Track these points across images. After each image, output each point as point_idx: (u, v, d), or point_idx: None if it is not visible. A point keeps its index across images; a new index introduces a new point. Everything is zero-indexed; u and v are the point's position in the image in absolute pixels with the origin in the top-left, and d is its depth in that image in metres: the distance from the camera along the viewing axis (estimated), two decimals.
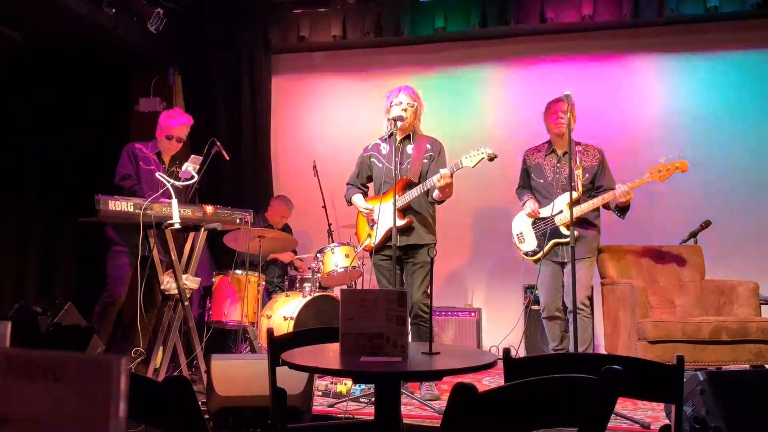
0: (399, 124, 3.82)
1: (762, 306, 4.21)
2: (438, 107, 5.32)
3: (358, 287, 4.75)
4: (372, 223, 3.90)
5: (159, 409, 1.39)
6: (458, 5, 5.46)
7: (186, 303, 3.79)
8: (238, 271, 4.63)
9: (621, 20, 5.24)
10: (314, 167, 5.62)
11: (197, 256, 3.92)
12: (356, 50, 6.06)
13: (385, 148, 4.01)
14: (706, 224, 4.81)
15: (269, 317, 4.58)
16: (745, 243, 5.21)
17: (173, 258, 3.75)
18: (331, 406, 3.43)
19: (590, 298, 4.15)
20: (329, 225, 5.54)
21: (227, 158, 4.25)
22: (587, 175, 4.09)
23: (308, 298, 4.55)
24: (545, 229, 4.13)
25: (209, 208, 3.87)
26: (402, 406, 2.39)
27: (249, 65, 5.95)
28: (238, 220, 4.01)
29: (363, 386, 3.59)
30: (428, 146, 3.95)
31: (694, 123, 5.46)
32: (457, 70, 5.95)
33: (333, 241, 5.15)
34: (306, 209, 5.68)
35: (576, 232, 3.59)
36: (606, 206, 4.08)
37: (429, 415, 3.28)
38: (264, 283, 4.86)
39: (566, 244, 3.99)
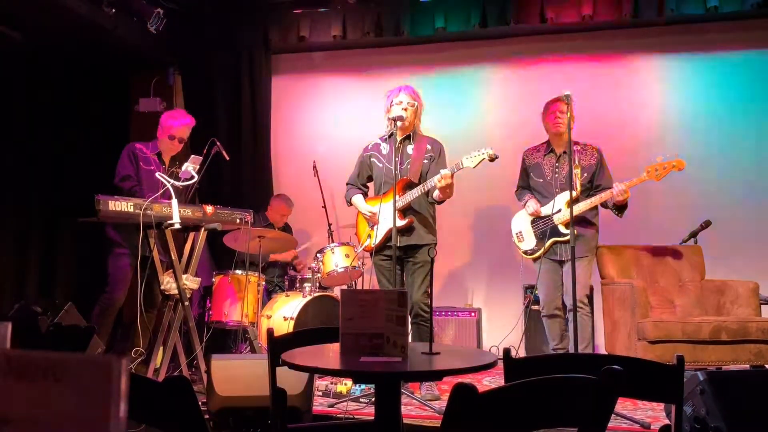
0: (399, 123, 3.82)
1: (762, 306, 4.22)
2: (438, 107, 5.32)
3: (359, 287, 4.75)
4: (374, 224, 3.89)
5: (159, 410, 1.39)
6: (458, 5, 5.46)
7: (186, 303, 3.79)
8: (238, 271, 4.63)
9: (621, 20, 5.24)
10: (314, 167, 5.62)
11: (197, 256, 3.92)
12: (356, 50, 6.06)
13: (385, 148, 4.01)
14: (707, 224, 4.81)
15: (269, 317, 4.58)
16: (745, 243, 5.21)
17: (173, 258, 3.75)
18: (332, 406, 3.43)
19: (589, 297, 4.18)
20: (329, 225, 5.54)
21: (227, 158, 4.25)
22: (586, 175, 4.11)
23: (308, 298, 4.55)
24: (544, 228, 4.15)
25: (209, 208, 3.87)
26: (402, 407, 2.39)
27: (249, 65, 5.95)
28: (238, 220, 4.01)
29: (363, 386, 3.59)
30: (428, 147, 3.95)
31: (694, 123, 5.46)
32: (457, 70, 5.95)
33: (333, 241, 5.15)
34: (306, 209, 5.68)
35: (575, 231, 3.59)
36: (604, 205, 4.10)
37: (429, 415, 3.28)
38: (264, 283, 4.86)
39: (565, 242, 4.02)
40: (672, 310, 4.39)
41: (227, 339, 4.95)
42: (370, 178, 4.12)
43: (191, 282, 3.85)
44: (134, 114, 6.14)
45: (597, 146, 4.24)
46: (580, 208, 3.97)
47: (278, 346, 2.08)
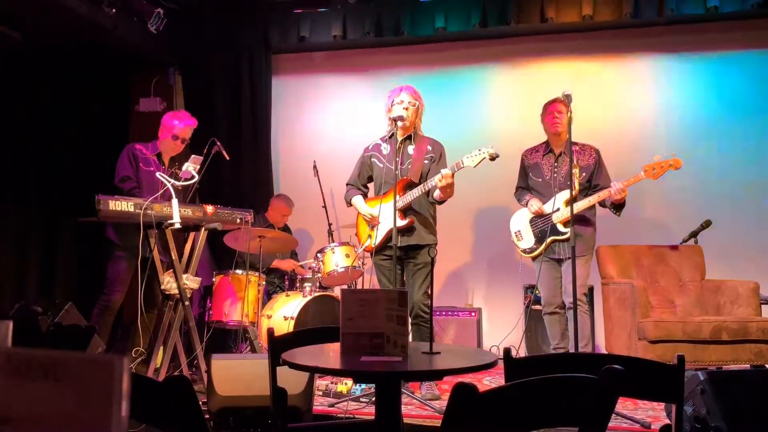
0: (400, 123, 3.82)
1: (762, 306, 4.22)
2: (438, 107, 5.31)
3: (359, 287, 4.75)
4: (375, 225, 3.88)
5: (159, 409, 1.39)
6: (458, 5, 5.46)
7: (186, 303, 3.80)
8: (239, 271, 4.64)
9: (621, 20, 5.24)
10: (314, 167, 5.62)
11: (197, 256, 3.92)
12: (356, 50, 6.06)
13: (385, 148, 4.01)
14: (707, 224, 4.81)
15: (269, 317, 4.58)
16: (745, 243, 5.21)
17: (173, 258, 3.75)
18: (332, 405, 3.43)
19: (587, 295, 4.25)
20: (329, 225, 5.54)
21: (227, 158, 4.25)
22: (584, 174, 4.15)
23: (308, 297, 4.55)
24: (543, 227, 4.17)
25: (209, 208, 3.87)
26: (402, 406, 2.39)
27: (249, 65, 5.95)
28: (238, 220, 4.01)
29: (363, 386, 3.59)
30: (429, 147, 3.95)
31: (694, 123, 5.46)
32: (457, 70, 5.95)
33: (333, 241, 5.15)
34: (306, 209, 5.68)
35: (572, 230, 3.60)
36: (602, 204, 4.13)
37: (429, 415, 3.28)
38: (264, 283, 4.86)
39: (564, 241, 4.06)
40: (672, 309, 4.39)
41: (227, 339, 4.95)
42: (370, 179, 4.12)
43: (191, 282, 3.85)
44: (134, 114, 6.14)
45: (595, 147, 4.27)
46: (578, 207, 3.99)
47: (278, 345, 2.08)
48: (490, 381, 4.26)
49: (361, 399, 3.50)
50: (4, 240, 5.22)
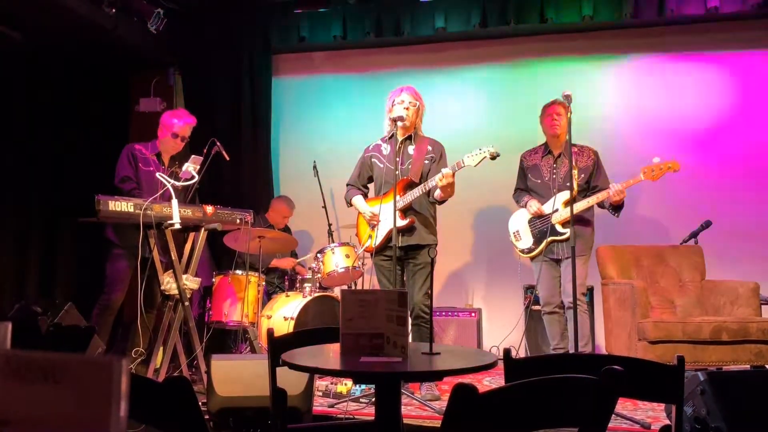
0: (400, 123, 3.83)
1: (762, 306, 4.22)
2: (438, 107, 5.31)
3: (359, 287, 4.75)
4: (376, 223, 3.88)
5: (159, 410, 1.39)
6: (458, 5, 5.46)
7: (186, 303, 3.80)
8: (238, 272, 4.64)
9: (621, 20, 5.24)
10: (314, 167, 5.62)
11: (197, 256, 3.92)
12: (356, 50, 6.06)
13: (386, 148, 4.01)
14: (707, 224, 4.81)
15: (269, 317, 4.58)
16: (745, 243, 5.21)
17: (173, 258, 3.75)
18: (332, 406, 3.43)
19: (586, 294, 4.32)
20: (329, 225, 5.54)
21: (227, 158, 4.25)
22: (583, 176, 4.17)
23: (308, 298, 4.54)
24: (541, 228, 4.19)
25: (209, 209, 3.87)
26: (402, 407, 2.39)
27: (249, 65, 5.95)
28: (238, 221, 4.01)
29: (363, 386, 3.59)
30: (429, 148, 3.96)
31: (694, 123, 5.46)
32: (457, 70, 5.95)
33: (333, 241, 5.14)
34: (306, 209, 5.68)
35: (572, 230, 3.61)
36: (601, 205, 4.14)
37: (429, 416, 3.28)
38: (264, 283, 4.85)
39: (562, 241, 4.09)
40: (672, 310, 4.39)
41: (227, 339, 4.95)
42: (370, 179, 4.12)
43: (191, 282, 3.85)
44: (134, 114, 6.14)
45: (594, 148, 4.29)
46: (577, 207, 4.00)
47: (278, 346, 2.08)
48: (490, 381, 4.25)
49: (360, 399, 3.50)
50: (4, 240, 5.22)
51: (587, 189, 4.19)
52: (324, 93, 6.19)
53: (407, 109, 3.87)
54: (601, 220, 4.35)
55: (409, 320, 3.71)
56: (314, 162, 5.64)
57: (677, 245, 4.78)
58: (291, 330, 4.25)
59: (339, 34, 5.65)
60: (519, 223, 4.36)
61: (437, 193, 3.79)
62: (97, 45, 5.28)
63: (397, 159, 3.82)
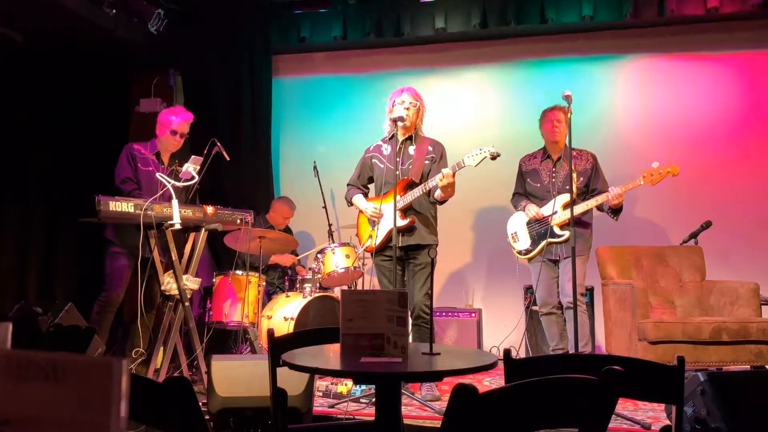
0: (401, 124, 3.83)
1: (762, 306, 4.22)
2: (438, 107, 5.32)
3: (359, 288, 4.75)
4: (380, 217, 3.88)
5: (159, 410, 1.39)
6: (458, 6, 5.46)
7: (186, 303, 3.79)
8: (239, 272, 4.64)
9: (621, 21, 5.24)
10: (314, 167, 5.62)
11: (198, 256, 3.92)
12: (356, 51, 6.06)
13: (386, 149, 4.01)
14: (707, 225, 4.82)
15: (269, 318, 4.58)
16: (745, 244, 5.21)
17: (174, 258, 3.75)
18: (332, 406, 3.43)
19: (585, 295, 4.36)
20: (329, 225, 5.54)
21: (227, 159, 4.25)
22: (582, 179, 4.20)
23: (309, 298, 4.54)
24: (539, 230, 4.20)
25: (210, 209, 3.87)
26: (402, 407, 2.39)
27: (249, 66, 5.95)
28: (238, 221, 4.01)
29: (363, 387, 3.59)
30: (430, 148, 3.96)
31: (694, 123, 5.46)
32: (457, 71, 5.95)
33: (333, 242, 5.14)
34: (306, 210, 5.68)
35: (572, 231, 3.62)
36: (600, 208, 4.15)
37: (429, 416, 3.28)
38: (264, 284, 4.86)
39: (560, 243, 4.13)
40: (672, 310, 4.39)
41: (227, 339, 4.95)
42: (371, 180, 4.12)
43: (191, 282, 3.85)
44: (134, 114, 6.14)
45: (592, 152, 4.32)
46: (577, 210, 4.01)
47: (279, 346, 2.08)
48: (490, 382, 4.25)
49: (361, 400, 3.50)
50: (5, 240, 5.22)
51: (586, 192, 4.21)
52: (324, 93, 6.19)
53: (408, 109, 3.88)
54: (601, 222, 4.35)
55: (410, 320, 3.71)
56: (314, 162, 5.64)
57: (677, 245, 4.78)
58: (291, 330, 4.25)
59: (339, 34, 5.65)
60: (517, 224, 4.37)
61: (438, 194, 3.79)
62: (97, 45, 5.28)
63: (398, 159, 3.82)
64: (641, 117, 5.56)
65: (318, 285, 4.74)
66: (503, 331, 5.19)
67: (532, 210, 4.20)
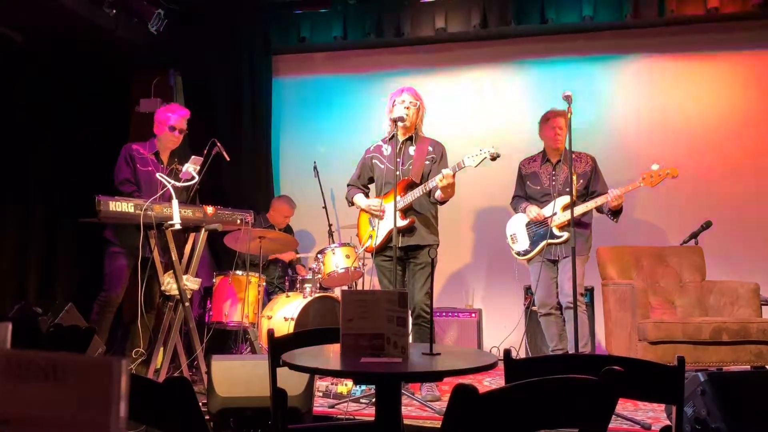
0: (401, 124, 3.83)
1: (763, 307, 4.22)
2: (439, 108, 5.32)
3: (359, 288, 4.75)
4: (382, 212, 3.87)
5: (160, 410, 1.39)
6: (459, 6, 5.46)
7: (186, 304, 3.79)
8: (239, 272, 4.64)
9: (621, 21, 5.24)
10: (315, 168, 5.62)
11: (198, 256, 3.92)
12: (357, 51, 6.06)
13: (387, 149, 4.02)
14: (707, 225, 4.82)
15: (270, 318, 4.58)
16: (745, 244, 5.21)
17: (174, 258, 3.75)
18: (332, 406, 3.43)
19: (584, 295, 4.38)
20: (330, 226, 5.54)
21: (228, 159, 4.24)
22: (581, 181, 4.22)
23: (309, 298, 4.54)
24: (539, 231, 4.20)
25: (210, 209, 3.87)
26: (403, 407, 2.39)
27: (249, 66, 5.95)
28: (238, 221, 4.01)
29: (363, 387, 3.59)
30: (430, 148, 3.96)
31: (694, 124, 5.46)
32: (457, 71, 5.95)
33: (333, 242, 5.14)
34: (306, 210, 5.68)
35: (572, 232, 3.62)
36: (600, 210, 4.15)
37: (430, 416, 3.28)
38: (264, 284, 4.85)
39: (559, 244, 4.14)
40: (672, 310, 4.39)
41: (228, 340, 4.95)
42: (371, 180, 4.12)
43: (191, 282, 3.85)
44: (135, 114, 6.14)
45: (591, 155, 4.33)
46: (576, 211, 4.01)
47: (279, 346, 2.08)
48: (490, 382, 4.25)
49: (361, 400, 3.50)
50: (5, 240, 5.22)
51: (586, 194, 4.22)
52: (324, 93, 6.19)
53: (408, 108, 3.88)
54: (601, 222, 4.35)
55: (410, 321, 3.71)
56: (314, 162, 5.64)
57: (677, 246, 4.78)
58: (291, 330, 4.25)
59: (339, 34, 5.65)
60: (516, 226, 4.38)
61: (438, 194, 3.79)
62: (97, 45, 5.28)
63: (398, 159, 3.83)
64: (641, 117, 5.56)
65: (318, 285, 4.74)
66: (503, 331, 5.19)
67: (534, 211, 4.21)
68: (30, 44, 5.14)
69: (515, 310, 5.19)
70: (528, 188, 4.37)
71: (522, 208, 4.34)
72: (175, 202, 3.64)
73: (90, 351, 3.37)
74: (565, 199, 4.03)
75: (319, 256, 4.73)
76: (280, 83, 6.16)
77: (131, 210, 3.52)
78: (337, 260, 4.62)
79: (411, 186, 3.86)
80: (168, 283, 3.78)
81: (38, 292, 5.32)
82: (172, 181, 3.69)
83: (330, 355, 2.03)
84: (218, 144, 4.09)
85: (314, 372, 2.13)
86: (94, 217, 3.43)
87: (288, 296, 4.70)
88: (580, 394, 1.29)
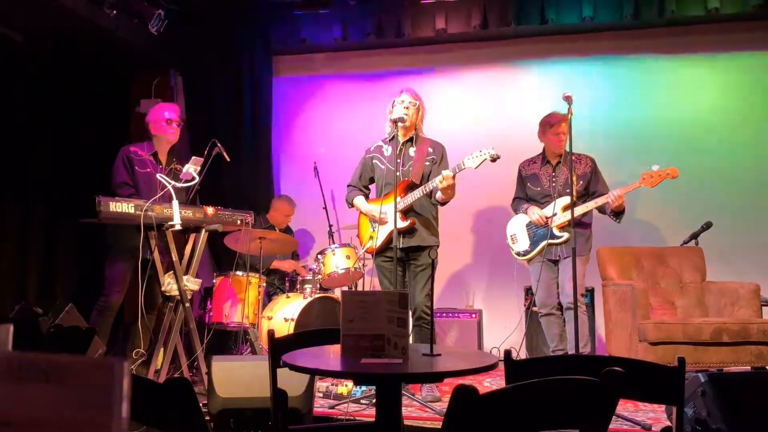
0: (401, 124, 3.83)
1: (763, 307, 4.22)
2: (439, 108, 5.32)
3: (360, 288, 4.75)
4: (383, 224, 3.88)
5: (160, 411, 1.38)
6: (459, 7, 5.46)
7: (187, 304, 3.79)
8: (239, 273, 4.64)
9: (621, 22, 5.24)
10: (315, 168, 5.62)
11: (198, 257, 3.92)
12: (357, 52, 6.06)
13: (387, 150, 4.02)
14: (708, 226, 4.82)
15: (270, 318, 4.58)
16: (746, 244, 5.21)
17: (174, 259, 3.75)
18: (332, 407, 3.43)
19: (585, 295, 4.39)
20: (330, 226, 5.54)
21: (228, 159, 4.24)
22: (581, 182, 4.23)
23: (309, 299, 4.54)
24: (539, 231, 4.20)
25: (210, 210, 3.87)
26: (403, 408, 2.39)
27: (250, 67, 5.95)
28: (239, 222, 4.01)
29: (364, 388, 3.59)
30: (430, 149, 3.96)
31: (694, 124, 5.46)
32: (458, 72, 5.95)
33: (334, 243, 5.14)
34: (307, 210, 5.69)
35: (572, 232, 3.62)
36: (602, 211, 4.15)
37: (430, 417, 3.28)
38: (264, 285, 4.85)
39: (559, 244, 4.14)
40: (673, 311, 4.39)
41: (228, 340, 4.95)
42: (371, 180, 4.12)
43: (192, 283, 3.85)
44: (135, 115, 6.13)
45: (591, 156, 4.33)
46: (576, 212, 4.01)
47: (279, 347, 2.08)
48: (490, 383, 4.25)
49: (361, 401, 3.50)
50: (5, 240, 5.22)
51: (586, 195, 4.22)
52: (325, 94, 6.19)
53: (407, 108, 3.88)
54: (601, 223, 4.35)
55: (410, 321, 3.71)
56: (315, 163, 5.64)
57: (678, 246, 4.78)
58: (291, 331, 4.25)
59: (340, 35, 5.65)
60: (516, 226, 4.38)
61: (438, 195, 3.79)
62: (97, 46, 5.28)
63: (398, 160, 3.83)
64: (641, 118, 5.56)
65: (318, 286, 4.74)
66: (504, 332, 5.19)
67: (535, 214, 4.20)
68: (30, 44, 5.14)
69: (515, 311, 5.19)
70: (528, 190, 4.37)
71: (523, 209, 4.34)
72: (175, 202, 3.64)
73: (90, 352, 3.37)
74: (566, 200, 4.03)
75: (319, 256, 4.73)
76: (280, 84, 6.16)
77: (131, 211, 3.52)
78: (337, 261, 4.62)
79: (411, 187, 3.86)
80: (168, 284, 3.78)
81: (38, 293, 5.32)
82: (173, 182, 3.68)
83: (330, 355, 2.03)
84: (218, 144, 4.09)
85: (314, 373, 2.13)
86: (94, 217, 3.43)
87: (288, 297, 4.70)
88: (581, 395, 1.29)
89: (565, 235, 4.03)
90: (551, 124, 4.25)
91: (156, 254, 3.71)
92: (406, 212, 3.84)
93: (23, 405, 0.61)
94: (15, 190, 5.27)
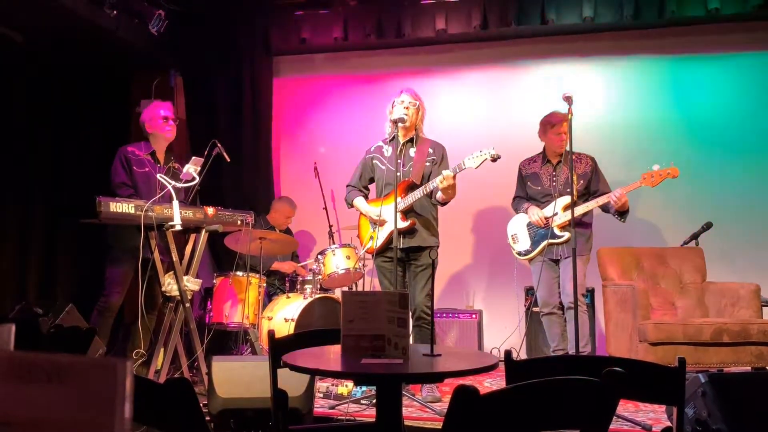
0: (401, 125, 3.83)
1: (763, 308, 4.22)
2: (439, 109, 5.32)
3: (360, 289, 4.75)
4: (382, 225, 3.88)
5: (160, 411, 1.38)
6: (459, 7, 5.46)
7: (187, 305, 3.79)
8: (239, 273, 4.63)
9: (622, 22, 5.24)
10: (315, 169, 5.62)
11: (198, 257, 3.92)
12: (357, 52, 6.06)
13: (387, 150, 4.02)
14: (708, 226, 4.82)
15: (270, 319, 4.58)
16: (746, 245, 5.21)
17: (174, 259, 3.75)
18: (333, 407, 3.43)
19: (585, 295, 4.38)
20: (330, 226, 5.54)
21: (228, 160, 4.24)
22: (582, 182, 4.23)
23: (309, 299, 4.54)
24: (539, 231, 4.20)
25: (210, 210, 3.87)
26: (403, 408, 2.39)
27: (250, 67, 5.95)
28: (239, 222, 4.01)
29: (364, 388, 3.59)
30: (430, 150, 3.96)
31: (694, 125, 5.46)
32: (458, 72, 5.95)
33: (334, 243, 5.14)
34: (307, 211, 5.69)
35: (573, 232, 3.62)
36: (606, 210, 4.15)
37: (430, 417, 3.28)
38: (264, 285, 4.85)
39: (560, 244, 4.15)
40: (673, 311, 4.39)
41: (228, 340, 4.94)
42: (371, 181, 4.12)
43: (192, 283, 3.85)
44: (135, 115, 6.12)
45: (591, 155, 4.34)
46: (577, 211, 4.01)
47: (279, 347, 2.08)
48: (491, 383, 4.25)
49: (361, 401, 3.50)
50: (5, 241, 5.22)
51: (587, 194, 4.22)
52: (325, 95, 6.19)
53: (407, 108, 3.88)
54: (602, 224, 4.35)
55: (410, 322, 3.71)
56: (315, 163, 5.64)
57: (678, 247, 4.78)
58: (292, 331, 4.25)
59: (340, 35, 5.65)
60: (517, 226, 4.38)
61: (439, 195, 3.79)
62: (97, 46, 5.28)
63: (399, 161, 3.83)
64: (641, 118, 5.56)
65: (319, 286, 4.74)
66: (504, 332, 5.18)
67: (536, 215, 4.20)
68: (30, 44, 5.14)
69: (516, 311, 5.19)
70: (529, 189, 4.37)
71: (523, 209, 4.34)
72: (175, 203, 3.64)
73: (91, 352, 3.37)
74: (566, 199, 4.03)
75: (319, 257, 4.73)
76: (280, 84, 6.16)
77: (132, 211, 3.52)
78: (337, 261, 4.62)
79: (411, 187, 3.86)
80: (168, 284, 3.78)
81: (38, 293, 5.31)
82: (173, 182, 3.68)
83: (331, 356, 2.03)
84: (219, 145, 4.09)
85: (315, 373, 2.13)
86: (94, 217, 3.43)
87: (288, 297, 4.70)
88: (581, 395, 1.29)
89: (566, 235, 4.03)
90: (553, 124, 4.25)
91: (156, 254, 3.71)
92: (407, 213, 3.85)
93: (24, 405, 0.61)
94: (15, 190, 5.27)
